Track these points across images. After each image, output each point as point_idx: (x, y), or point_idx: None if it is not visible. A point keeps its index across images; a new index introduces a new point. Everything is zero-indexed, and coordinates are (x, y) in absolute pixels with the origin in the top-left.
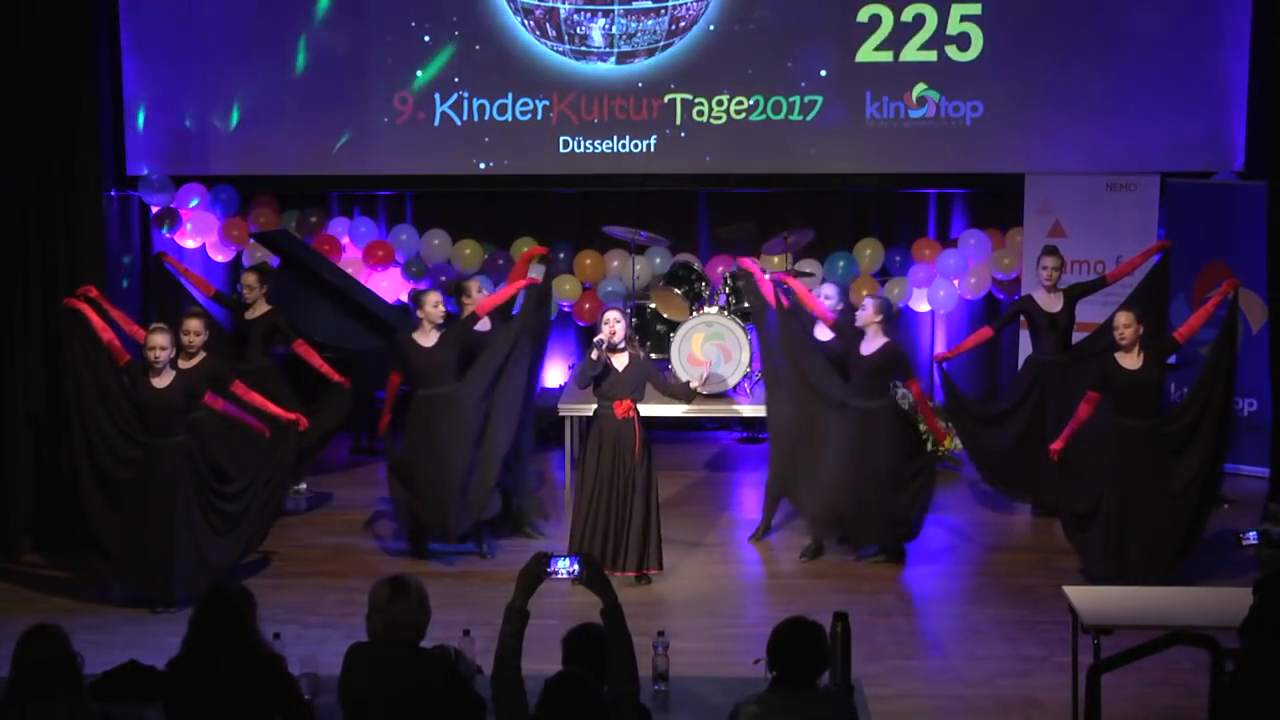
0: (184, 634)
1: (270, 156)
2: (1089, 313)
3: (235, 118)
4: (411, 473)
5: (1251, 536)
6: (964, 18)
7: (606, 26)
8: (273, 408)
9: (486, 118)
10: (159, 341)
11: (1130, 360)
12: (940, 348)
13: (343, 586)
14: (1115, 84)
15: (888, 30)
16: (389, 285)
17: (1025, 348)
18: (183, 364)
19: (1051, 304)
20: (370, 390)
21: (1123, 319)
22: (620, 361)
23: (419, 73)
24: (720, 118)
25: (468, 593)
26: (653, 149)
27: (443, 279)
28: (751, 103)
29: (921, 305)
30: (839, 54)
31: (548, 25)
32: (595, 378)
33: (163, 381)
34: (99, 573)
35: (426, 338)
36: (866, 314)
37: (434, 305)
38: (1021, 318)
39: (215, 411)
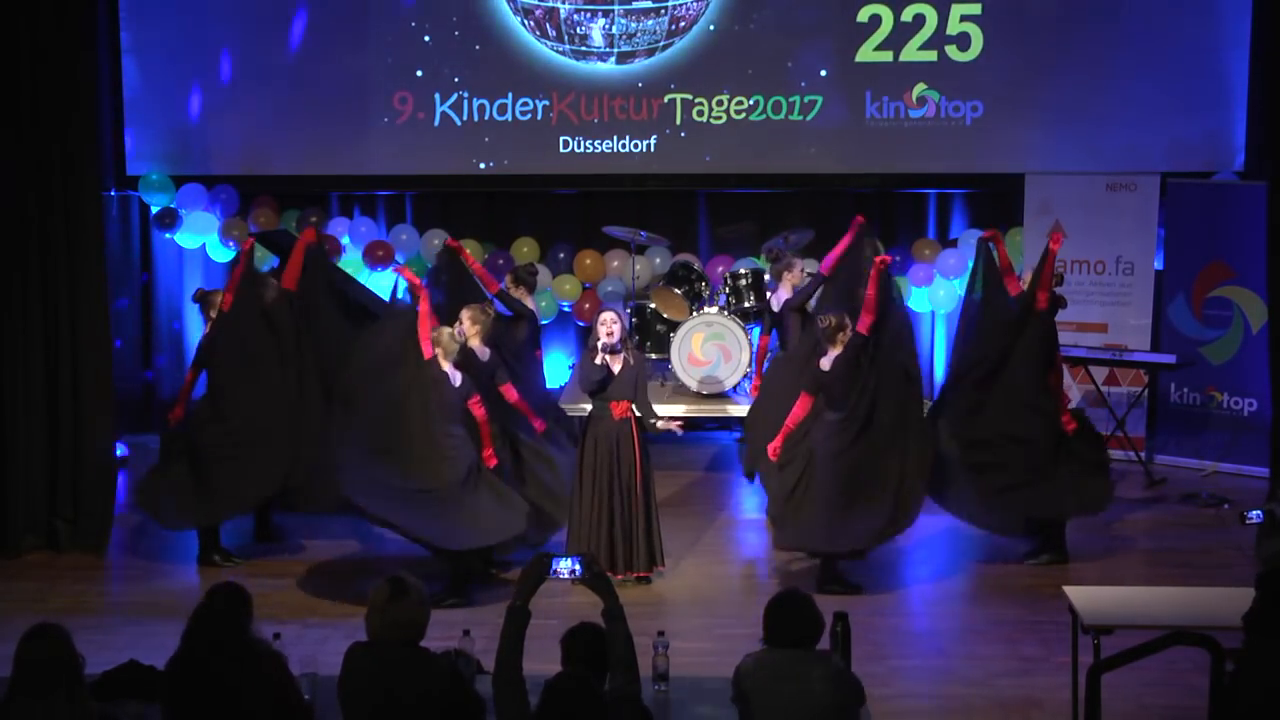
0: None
1: (270, 156)
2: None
3: (234, 117)
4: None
5: (1256, 515)
6: (964, 18)
7: (606, 26)
8: None
9: (486, 118)
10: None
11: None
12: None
13: (343, 587)
14: (1115, 84)
15: (888, 30)
16: (389, 285)
17: None
18: None
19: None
20: None
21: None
22: (617, 363)
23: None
24: (720, 118)
25: (468, 592)
26: (653, 149)
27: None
28: (751, 103)
29: (922, 305)
30: (839, 54)
31: (548, 25)
32: (599, 381)
33: None
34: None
35: None
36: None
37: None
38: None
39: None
